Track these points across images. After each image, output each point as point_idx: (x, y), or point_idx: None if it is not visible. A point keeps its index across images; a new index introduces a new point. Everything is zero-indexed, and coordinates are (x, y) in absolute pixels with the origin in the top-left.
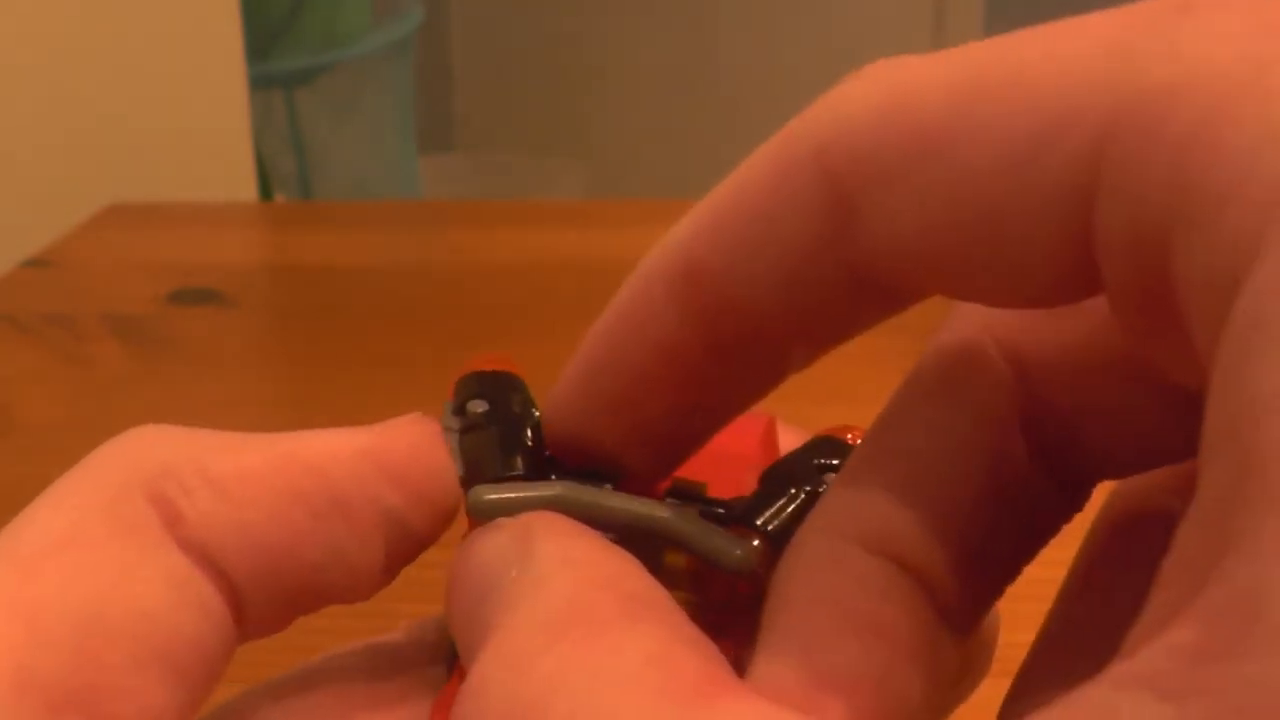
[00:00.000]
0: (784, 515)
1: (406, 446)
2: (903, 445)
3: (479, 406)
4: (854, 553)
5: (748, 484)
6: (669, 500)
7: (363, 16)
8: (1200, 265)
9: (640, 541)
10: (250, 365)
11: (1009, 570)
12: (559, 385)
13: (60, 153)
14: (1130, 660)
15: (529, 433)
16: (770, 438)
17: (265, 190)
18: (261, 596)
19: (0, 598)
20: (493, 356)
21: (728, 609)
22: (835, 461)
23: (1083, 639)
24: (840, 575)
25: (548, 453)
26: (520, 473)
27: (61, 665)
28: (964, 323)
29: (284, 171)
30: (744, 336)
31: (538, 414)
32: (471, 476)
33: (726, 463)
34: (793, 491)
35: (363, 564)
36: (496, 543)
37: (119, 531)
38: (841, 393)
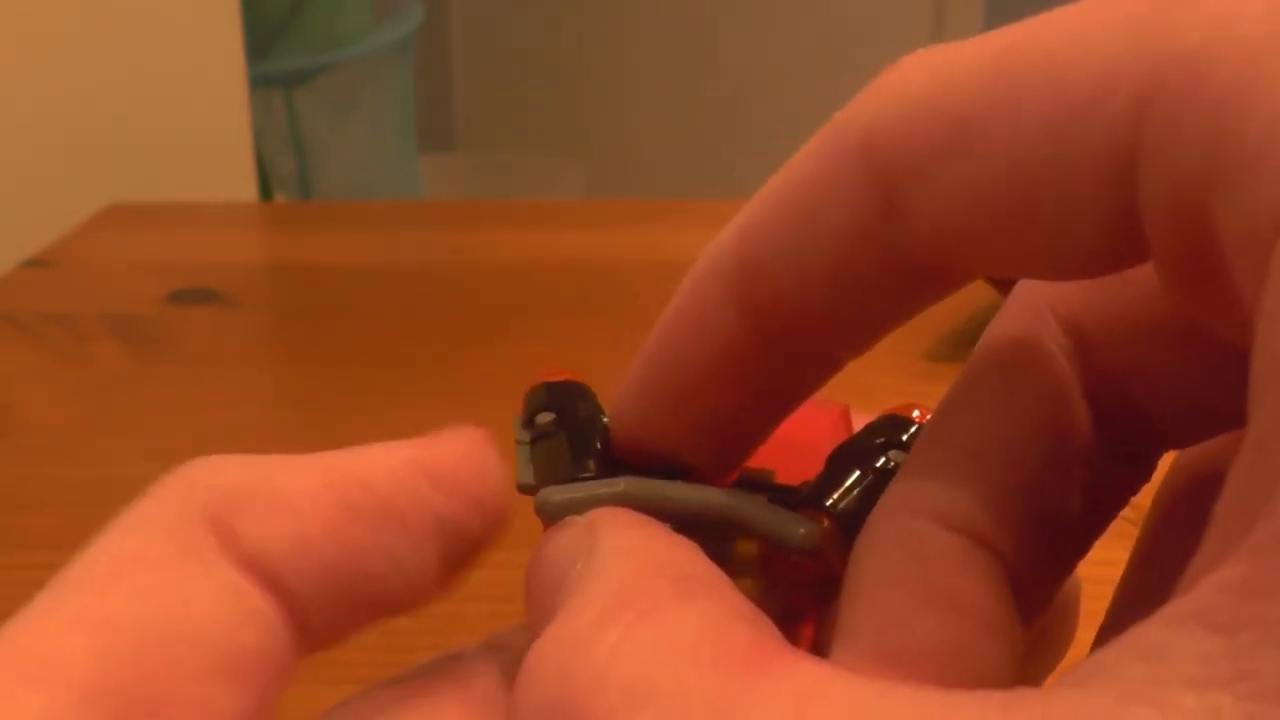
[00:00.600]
0: (849, 495)
1: (453, 454)
2: (971, 424)
3: (546, 417)
4: (930, 529)
5: (806, 466)
6: (735, 489)
7: (363, 16)
8: (1241, 218)
9: (709, 530)
10: (250, 365)
11: (1080, 544)
12: (623, 388)
13: (60, 153)
14: (1182, 598)
15: (597, 437)
16: (843, 425)
17: (265, 190)
18: (322, 607)
19: (69, 616)
20: (558, 368)
21: (802, 593)
22: (900, 439)
23: (1149, 602)
24: (916, 552)
25: (617, 456)
26: (591, 475)
27: (126, 676)
28: (1024, 300)
29: (284, 171)
30: (798, 329)
31: (605, 419)
32: (544, 484)
33: (798, 450)
34: (858, 472)
35: (418, 570)
36: (564, 539)
37: (179, 554)
38: (860, 392)
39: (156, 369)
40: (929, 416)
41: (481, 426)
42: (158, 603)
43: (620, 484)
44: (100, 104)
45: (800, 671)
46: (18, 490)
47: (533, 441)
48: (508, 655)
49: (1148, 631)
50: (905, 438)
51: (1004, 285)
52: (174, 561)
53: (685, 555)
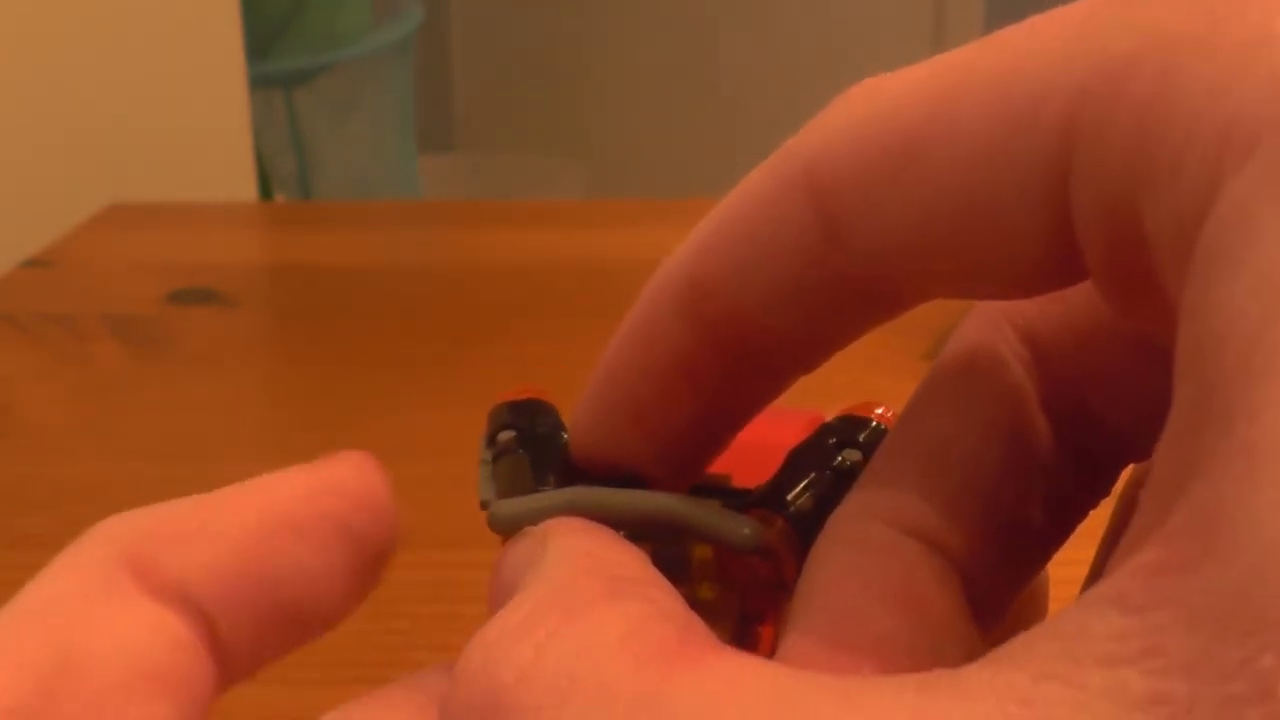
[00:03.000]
0: (803, 494)
1: (344, 469)
2: (930, 431)
3: (508, 435)
4: (885, 532)
5: (764, 469)
6: (686, 494)
7: (363, 16)
8: (1166, 218)
9: (664, 537)
10: (250, 365)
11: (1039, 553)
12: (580, 403)
13: (60, 153)
14: (1101, 582)
15: (557, 452)
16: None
17: (265, 190)
18: (238, 623)
19: None
20: (522, 388)
21: (760, 595)
22: (855, 438)
23: None
24: (872, 554)
25: (576, 470)
26: (549, 488)
27: (32, 697)
28: (982, 311)
29: (284, 171)
30: (749, 345)
31: (566, 435)
32: (503, 498)
33: (766, 455)
34: (813, 473)
35: (325, 576)
36: (520, 549)
37: (97, 591)
38: (855, 393)
39: (156, 369)
40: (890, 416)
41: (481, 425)
42: (74, 631)
43: (568, 493)
44: (100, 104)
45: (723, 663)
46: (18, 490)
47: (494, 459)
48: (431, 691)
49: (1066, 615)
50: (861, 437)
51: None
52: (91, 598)
53: (622, 558)
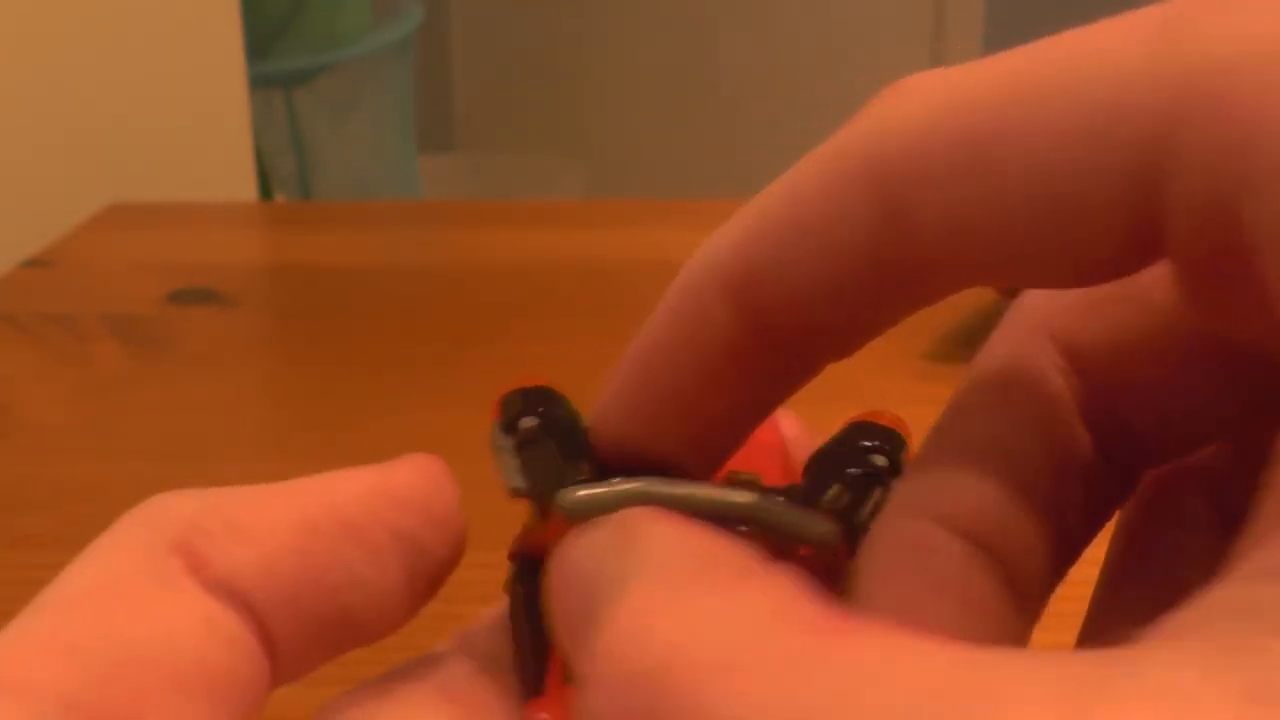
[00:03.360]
0: (840, 495)
1: (410, 474)
2: (975, 434)
3: (529, 421)
4: (935, 531)
5: (779, 470)
6: (745, 489)
7: (363, 16)
8: (1269, 221)
9: (726, 529)
10: (250, 365)
11: (1071, 552)
12: (606, 394)
13: (60, 153)
14: (1249, 561)
15: (584, 440)
16: (774, 427)
17: (265, 190)
18: (291, 630)
19: (42, 634)
20: (530, 376)
21: None
22: (877, 443)
23: (1130, 605)
24: (928, 551)
25: (601, 458)
26: (586, 477)
27: (103, 693)
28: (1021, 321)
29: (284, 171)
30: (794, 332)
31: (584, 423)
32: (536, 488)
33: (758, 453)
34: (851, 472)
35: (382, 589)
36: (596, 540)
37: (147, 578)
38: (859, 393)
39: (156, 369)
40: (901, 422)
41: (481, 426)
42: (129, 625)
43: (639, 483)
44: (100, 104)
45: (893, 634)
46: (18, 490)
47: (519, 446)
48: (480, 653)
49: (1226, 592)
50: (886, 443)
51: (1008, 289)
52: (142, 586)
53: (733, 544)
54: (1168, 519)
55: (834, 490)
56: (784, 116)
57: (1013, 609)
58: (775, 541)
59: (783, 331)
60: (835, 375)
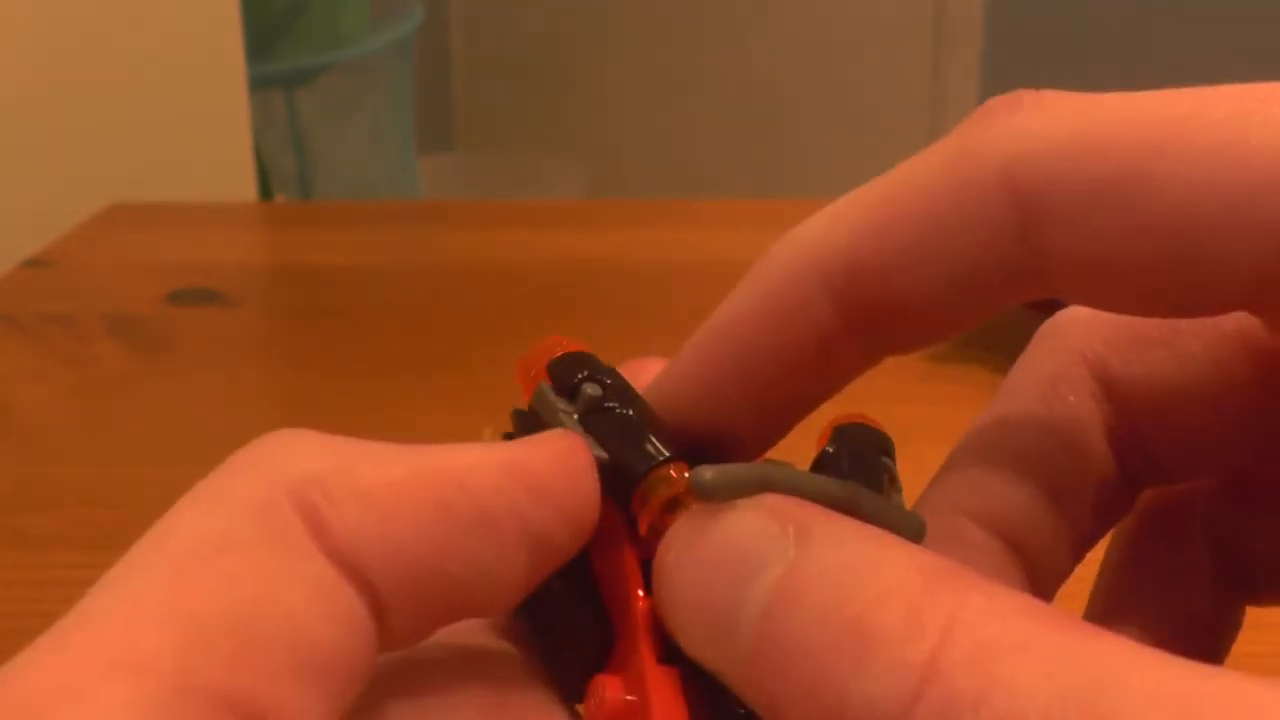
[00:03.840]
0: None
1: (549, 461)
2: (1010, 440)
3: (594, 389)
4: (971, 528)
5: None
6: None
7: (363, 16)
8: None
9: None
10: (250, 365)
11: (1081, 553)
12: (674, 369)
13: (60, 153)
14: None
15: (653, 413)
16: None
17: (265, 190)
18: (405, 608)
19: (156, 600)
20: (561, 340)
21: None
22: (883, 444)
23: (1126, 615)
24: (969, 546)
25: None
26: (670, 454)
27: (221, 670)
28: (1059, 343)
29: (284, 171)
30: (889, 326)
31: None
32: (617, 459)
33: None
34: (885, 476)
35: (504, 578)
36: (749, 526)
37: (267, 538)
38: (859, 393)
39: (156, 369)
40: (875, 421)
41: (481, 425)
42: (248, 593)
43: (765, 468)
44: (100, 104)
45: (1131, 645)
46: (18, 490)
47: (583, 414)
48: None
49: None
50: (881, 445)
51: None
52: (262, 547)
53: (928, 552)
54: (1164, 534)
55: (889, 488)
56: (784, 117)
57: None
58: None
59: (884, 325)
60: None
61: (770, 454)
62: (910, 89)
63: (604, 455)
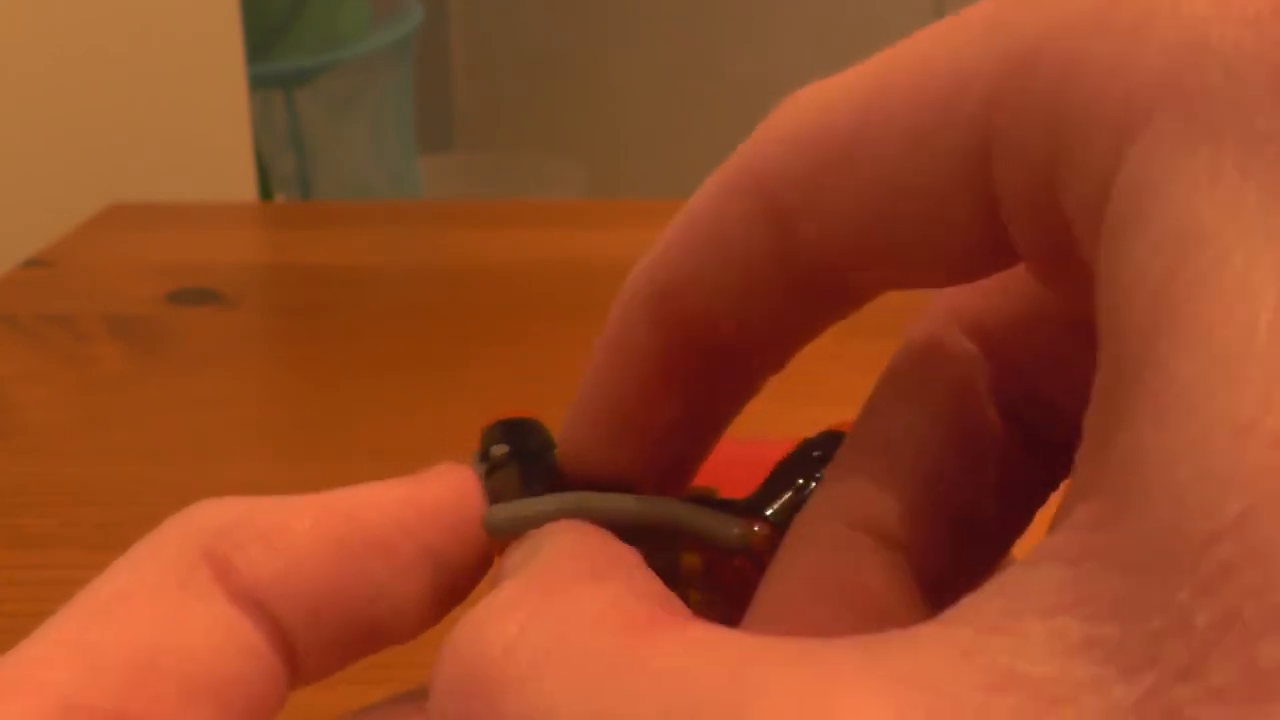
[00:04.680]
0: (784, 502)
1: (439, 489)
2: (883, 428)
3: (500, 449)
4: (838, 530)
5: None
6: (677, 499)
7: (363, 16)
8: (1079, 193)
9: (653, 543)
10: (250, 365)
11: (999, 541)
12: (568, 414)
13: (60, 153)
14: (1041, 541)
15: (546, 465)
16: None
17: (265, 190)
18: (313, 638)
19: (63, 641)
20: (514, 412)
21: (744, 600)
22: (834, 452)
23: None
24: (823, 550)
25: (566, 483)
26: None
27: (109, 697)
28: (930, 311)
29: (284, 171)
30: (717, 345)
31: (556, 450)
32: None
33: (748, 472)
34: (799, 481)
35: (406, 599)
36: (514, 553)
37: (174, 587)
38: (820, 394)
39: (156, 369)
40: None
41: (481, 426)
42: (146, 631)
43: (561, 499)
44: (100, 104)
45: (691, 630)
46: (18, 490)
47: (487, 473)
48: None
49: (1009, 573)
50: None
51: None
52: (168, 594)
53: (603, 545)
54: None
55: (782, 499)
56: None
57: (914, 604)
58: (707, 550)
59: (706, 344)
60: (828, 377)
61: None
62: None
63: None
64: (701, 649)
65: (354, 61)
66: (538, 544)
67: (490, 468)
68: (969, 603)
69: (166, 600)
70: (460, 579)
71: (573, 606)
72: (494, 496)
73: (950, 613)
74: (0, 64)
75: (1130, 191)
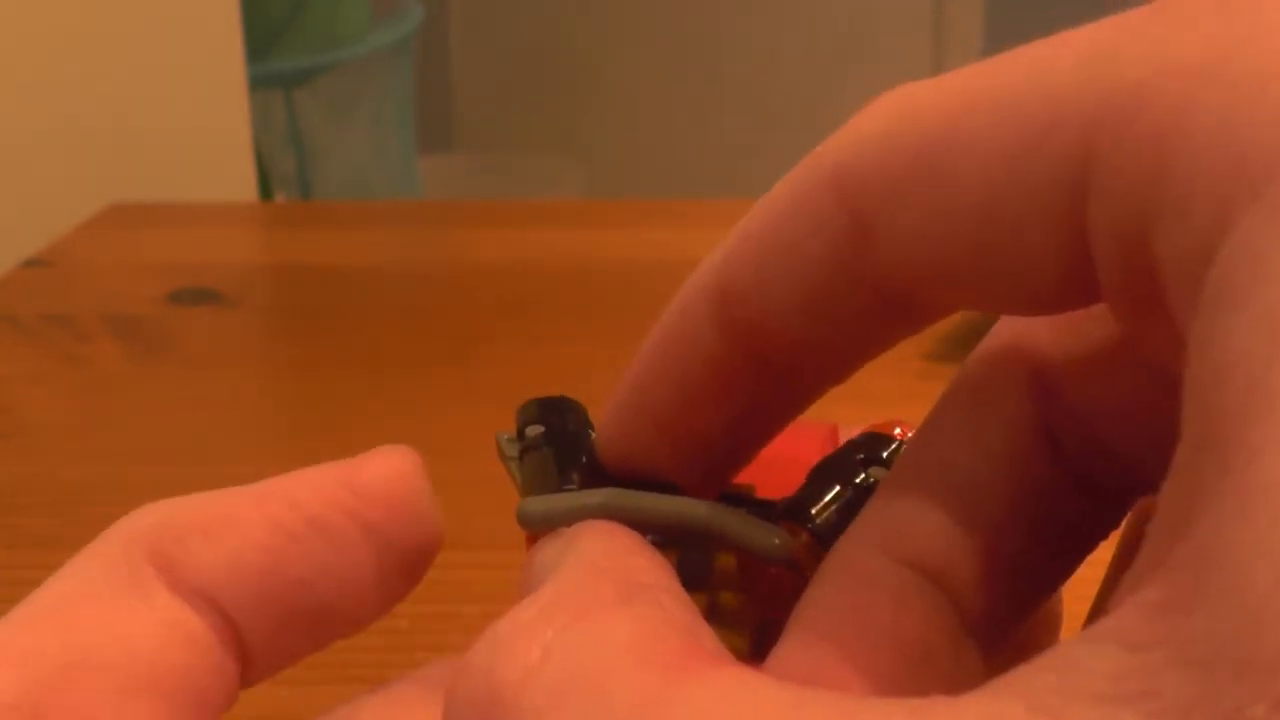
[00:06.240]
0: (827, 509)
1: (379, 469)
2: (934, 458)
3: (536, 430)
4: (879, 561)
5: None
6: (715, 502)
7: (363, 16)
8: (1177, 251)
9: (690, 544)
10: (250, 365)
11: (1046, 583)
12: (610, 405)
13: (60, 153)
14: (1104, 618)
15: (583, 451)
16: (830, 444)
17: (265, 190)
18: (259, 623)
19: (3, 645)
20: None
21: (780, 607)
22: (880, 455)
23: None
24: (860, 581)
25: (603, 470)
26: (574, 487)
27: (45, 696)
28: (993, 344)
29: (284, 171)
30: (778, 354)
31: (594, 434)
32: (529, 494)
33: (784, 468)
34: (838, 488)
35: (350, 579)
36: (547, 551)
37: (116, 585)
38: (859, 393)
39: (156, 369)
40: (910, 434)
41: (482, 426)
42: (85, 631)
43: (601, 494)
44: (100, 104)
45: (724, 676)
46: (18, 490)
47: (521, 454)
48: (438, 684)
49: (1066, 647)
50: (885, 454)
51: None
52: (109, 595)
53: (640, 562)
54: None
55: (822, 504)
56: (784, 116)
57: (956, 644)
58: (742, 557)
59: (767, 352)
60: (857, 375)
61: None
62: None
63: (519, 491)
64: (734, 698)
65: (354, 61)
66: (566, 547)
67: (525, 448)
68: (1020, 674)
69: (106, 599)
70: (407, 559)
71: (598, 633)
72: (526, 479)
73: (1000, 682)
74: (0, 64)
75: (1236, 265)
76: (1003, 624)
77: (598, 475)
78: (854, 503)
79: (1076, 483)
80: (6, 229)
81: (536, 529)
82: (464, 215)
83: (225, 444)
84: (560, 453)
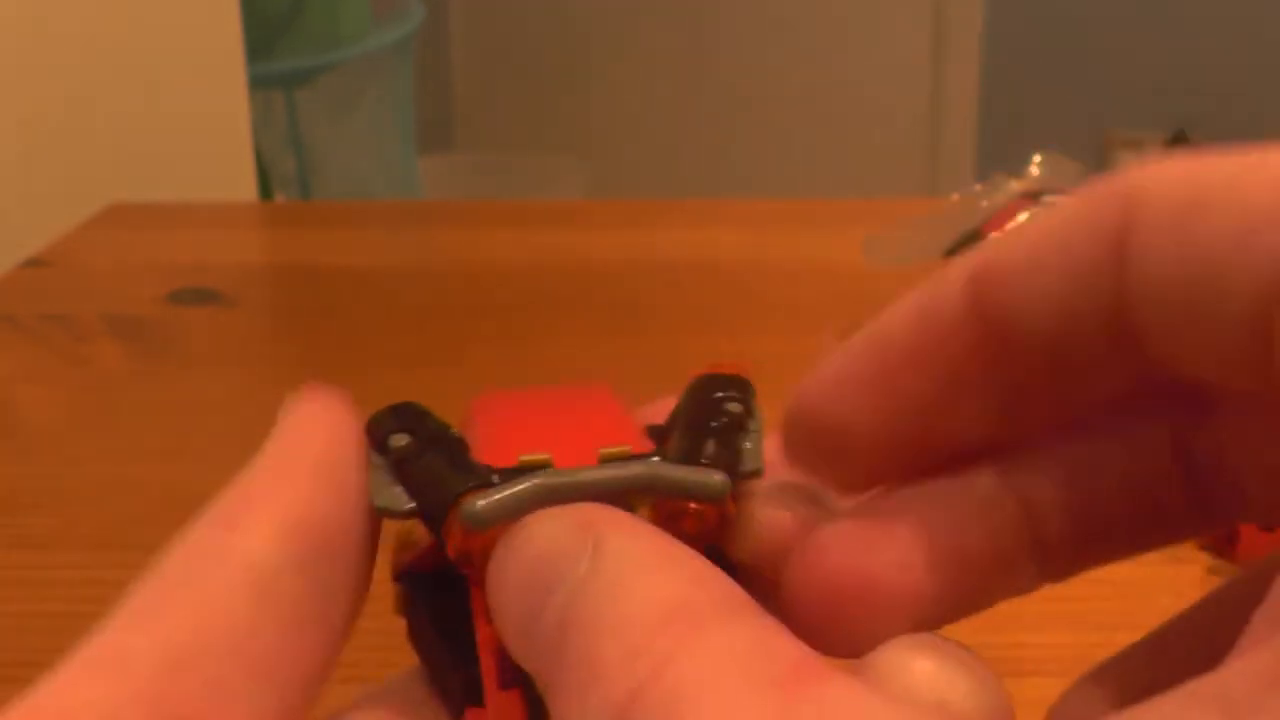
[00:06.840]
0: (718, 447)
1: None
2: (1075, 452)
3: (401, 439)
4: (991, 483)
5: (594, 452)
6: (624, 462)
7: (363, 16)
8: None
9: (610, 501)
10: (250, 365)
11: (1114, 551)
12: (825, 364)
13: (60, 153)
14: (1208, 677)
15: (462, 448)
16: (613, 403)
17: (265, 190)
18: None
19: (138, 617)
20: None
21: (704, 540)
22: (731, 392)
23: (1181, 657)
24: (972, 498)
25: (483, 464)
26: (481, 481)
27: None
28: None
29: (284, 171)
30: (1023, 350)
31: (454, 432)
32: (428, 502)
33: (575, 435)
34: (712, 425)
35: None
36: (553, 536)
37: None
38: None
39: (156, 369)
40: (746, 369)
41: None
42: (188, 625)
43: (535, 479)
44: (100, 104)
45: (844, 692)
46: (18, 490)
47: (398, 464)
48: (395, 701)
49: (1166, 705)
50: (735, 390)
51: None
52: (195, 578)
53: (708, 569)
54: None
55: (710, 446)
56: (784, 116)
57: (1014, 555)
58: (665, 505)
59: (1011, 341)
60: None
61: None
62: (910, 89)
63: (406, 505)
64: (851, 715)
65: (354, 61)
66: (591, 536)
67: (400, 457)
68: (1178, 698)
69: (196, 584)
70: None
71: (719, 643)
72: (418, 488)
73: (1162, 701)
74: (0, 64)
75: None
76: (1064, 567)
77: (484, 469)
78: (731, 439)
79: (1186, 480)
80: (6, 229)
81: (491, 527)
82: (464, 215)
83: (225, 444)
84: (449, 453)
